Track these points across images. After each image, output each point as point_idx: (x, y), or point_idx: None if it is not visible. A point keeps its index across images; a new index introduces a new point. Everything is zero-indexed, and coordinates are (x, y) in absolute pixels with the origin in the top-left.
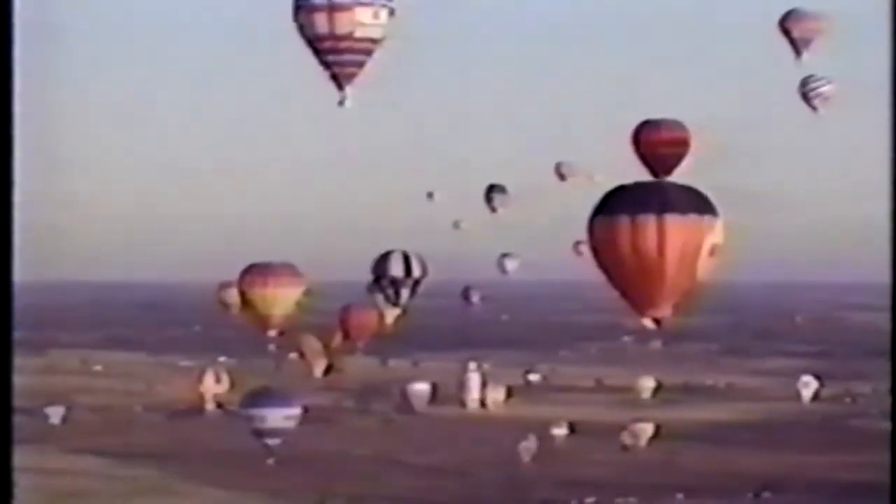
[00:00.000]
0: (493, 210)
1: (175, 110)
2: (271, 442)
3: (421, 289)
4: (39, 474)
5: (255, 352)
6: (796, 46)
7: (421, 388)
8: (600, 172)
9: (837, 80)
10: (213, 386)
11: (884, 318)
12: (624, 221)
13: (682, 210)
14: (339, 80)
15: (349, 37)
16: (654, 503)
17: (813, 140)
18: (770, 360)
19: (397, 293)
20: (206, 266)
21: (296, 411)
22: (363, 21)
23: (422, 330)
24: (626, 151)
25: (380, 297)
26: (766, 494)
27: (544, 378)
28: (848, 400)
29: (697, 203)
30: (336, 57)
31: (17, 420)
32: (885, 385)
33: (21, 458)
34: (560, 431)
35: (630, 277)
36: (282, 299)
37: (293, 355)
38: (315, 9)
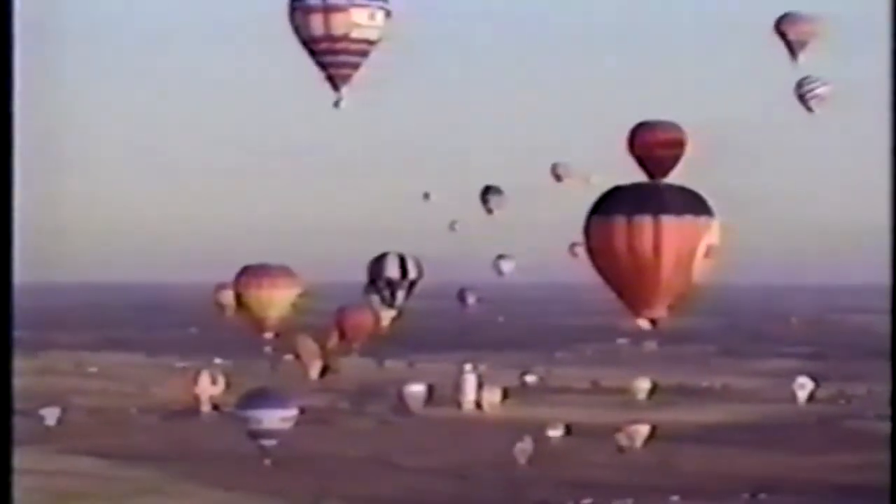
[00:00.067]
0: (489, 211)
1: (172, 111)
2: (267, 443)
3: (417, 290)
4: (35, 475)
5: (250, 353)
6: (792, 49)
7: (417, 389)
8: (596, 174)
9: (833, 81)
10: (208, 387)
11: (879, 320)
12: (620, 222)
13: (678, 211)
14: (334, 82)
15: (345, 38)
16: None
17: (809, 141)
18: (765, 361)
19: (393, 295)
20: (202, 267)
21: (292, 413)
22: (359, 22)
23: (418, 331)
24: (622, 153)
25: (375, 299)
26: (761, 495)
27: (540, 379)
28: (843, 401)
29: (693, 204)
30: (332, 58)
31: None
32: (880, 386)
33: (16, 459)
34: (556, 433)
35: (626, 278)
36: (277, 301)
37: (289, 357)
38: (311, 10)
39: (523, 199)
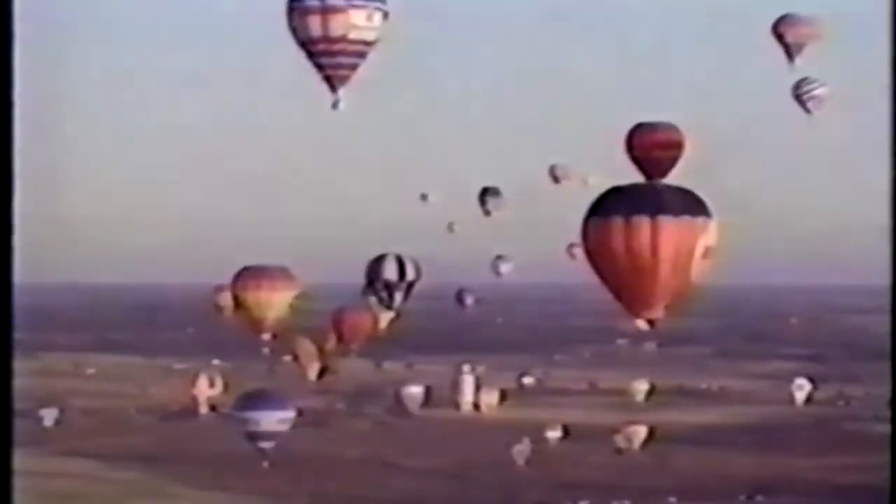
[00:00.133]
0: (487, 213)
1: (170, 112)
2: (265, 445)
3: (415, 291)
4: (33, 476)
5: (248, 355)
6: (789, 51)
7: (415, 390)
8: (594, 175)
9: (830, 82)
10: (206, 389)
11: (878, 321)
12: (618, 222)
13: (676, 212)
14: (332, 83)
15: (343, 39)
16: None
17: (806, 142)
18: (764, 362)
19: (391, 296)
20: (200, 268)
21: (290, 414)
22: (357, 23)
23: (416, 332)
24: (621, 154)
25: (374, 300)
26: (759, 497)
27: (538, 381)
28: (841, 403)
29: (691, 205)
30: (330, 59)
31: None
32: (879, 388)
33: (14, 460)
34: (554, 434)
35: (623, 278)
36: (275, 302)
37: (287, 358)
38: (309, 11)
39: (521, 200)
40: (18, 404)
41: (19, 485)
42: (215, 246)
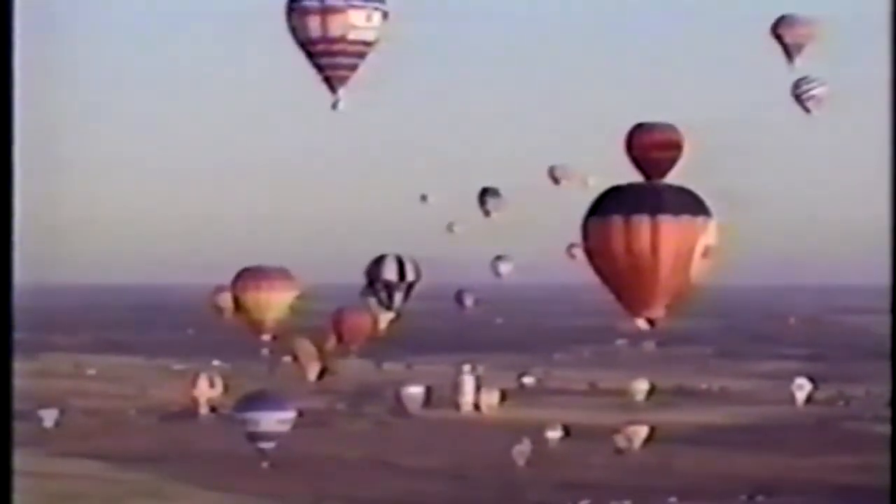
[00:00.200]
0: (487, 213)
1: (169, 113)
2: (265, 445)
3: (415, 292)
4: (33, 477)
5: (248, 355)
6: (789, 52)
7: (415, 391)
8: (594, 176)
9: (830, 82)
10: (206, 390)
11: (878, 321)
12: (617, 222)
13: (676, 211)
14: (332, 83)
15: (342, 39)
16: None
17: (807, 141)
18: (764, 362)
19: (391, 297)
20: (200, 269)
21: (290, 415)
22: (356, 24)
23: (416, 333)
24: (620, 155)
25: (373, 301)
26: (759, 497)
27: (538, 381)
28: (842, 402)
29: (691, 204)
30: (329, 60)
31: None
32: (879, 387)
33: (15, 460)
34: (554, 434)
35: (624, 278)
36: (275, 303)
37: (287, 359)
38: (308, 11)
39: (521, 200)
40: (18, 405)
41: (19, 485)
42: (215, 246)
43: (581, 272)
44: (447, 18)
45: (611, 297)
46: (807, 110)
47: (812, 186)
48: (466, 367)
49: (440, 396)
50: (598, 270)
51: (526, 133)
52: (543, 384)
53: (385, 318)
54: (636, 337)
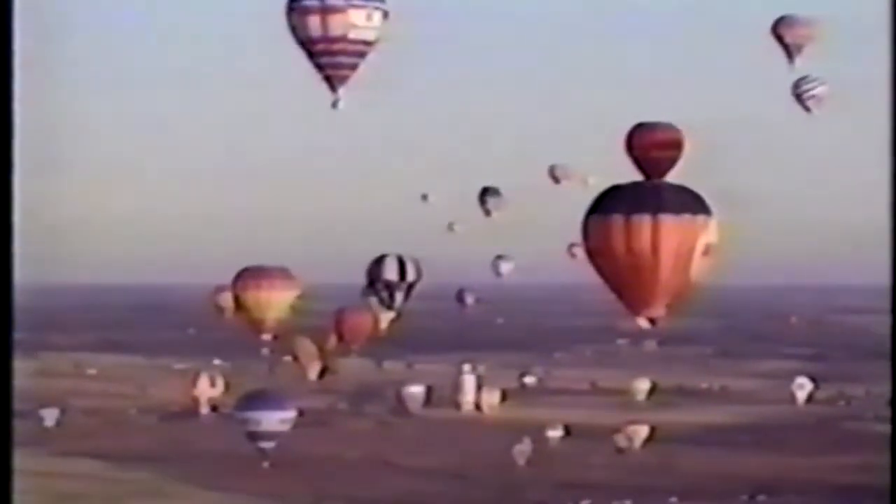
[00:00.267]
0: (488, 213)
1: (169, 112)
2: (266, 445)
3: (415, 292)
4: (33, 476)
5: (249, 355)
6: (789, 52)
7: (415, 390)
8: (594, 175)
9: (830, 81)
10: (207, 389)
11: (879, 321)
12: (618, 221)
13: (676, 210)
14: (332, 83)
15: (343, 39)
16: None
17: (806, 141)
18: (764, 362)
19: (392, 297)
20: (200, 268)
21: (290, 414)
22: (356, 23)
23: (416, 332)
24: (620, 154)
25: (374, 301)
26: (760, 497)
27: (539, 380)
28: (842, 402)
29: (692, 203)
30: (329, 59)
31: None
32: (879, 387)
33: (15, 460)
34: (555, 434)
35: (624, 277)
36: (276, 303)
37: (287, 358)
38: (308, 11)
39: (522, 200)
40: (19, 405)
41: (19, 485)
42: (216, 246)
43: (582, 271)
44: (447, 18)
45: (611, 296)
46: (807, 110)
47: (812, 186)
48: (467, 367)
49: (441, 396)
50: (599, 270)
51: (526, 133)
52: (544, 384)
53: (386, 317)
54: (637, 336)
